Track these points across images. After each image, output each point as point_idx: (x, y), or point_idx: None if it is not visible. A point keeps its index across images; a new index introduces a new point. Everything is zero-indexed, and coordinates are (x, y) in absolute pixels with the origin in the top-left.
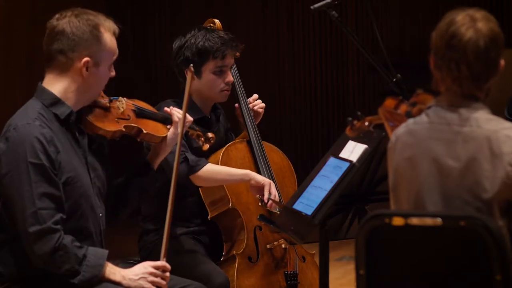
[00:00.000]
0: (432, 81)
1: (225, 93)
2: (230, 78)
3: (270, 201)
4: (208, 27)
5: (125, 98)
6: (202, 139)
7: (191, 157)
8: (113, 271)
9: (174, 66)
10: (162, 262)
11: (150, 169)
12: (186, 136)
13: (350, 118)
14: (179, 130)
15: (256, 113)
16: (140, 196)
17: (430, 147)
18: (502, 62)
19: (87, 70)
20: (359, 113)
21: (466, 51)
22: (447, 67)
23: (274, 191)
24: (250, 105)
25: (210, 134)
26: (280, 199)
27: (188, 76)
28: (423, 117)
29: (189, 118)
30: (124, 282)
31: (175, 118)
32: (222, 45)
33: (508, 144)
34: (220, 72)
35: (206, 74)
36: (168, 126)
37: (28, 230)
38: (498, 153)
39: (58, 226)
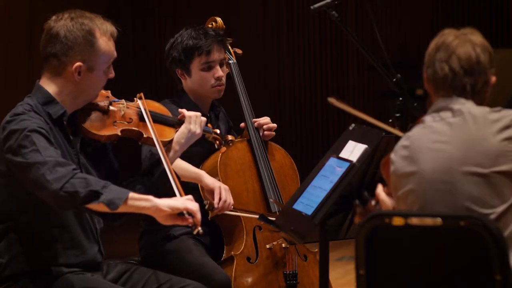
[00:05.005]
0: (427, 100)
1: (217, 89)
2: (219, 73)
3: (220, 206)
4: (196, 26)
5: (139, 99)
6: (218, 142)
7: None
8: (140, 197)
9: (168, 67)
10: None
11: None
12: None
13: (357, 202)
14: (153, 135)
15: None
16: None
17: (426, 138)
18: (494, 78)
19: (79, 74)
20: (365, 193)
21: (455, 52)
22: (438, 68)
23: (224, 195)
24: (257, 124)
25: (230, 137)
26: (280, 199)
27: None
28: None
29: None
30: (162, 202)
31: (187, 114)
32: (206, 40)
33: (497, 126)
34: (208, 68)
35: (195, 72)
36: (177, 129)
37: (42, 173)
38: (489, 133)
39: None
